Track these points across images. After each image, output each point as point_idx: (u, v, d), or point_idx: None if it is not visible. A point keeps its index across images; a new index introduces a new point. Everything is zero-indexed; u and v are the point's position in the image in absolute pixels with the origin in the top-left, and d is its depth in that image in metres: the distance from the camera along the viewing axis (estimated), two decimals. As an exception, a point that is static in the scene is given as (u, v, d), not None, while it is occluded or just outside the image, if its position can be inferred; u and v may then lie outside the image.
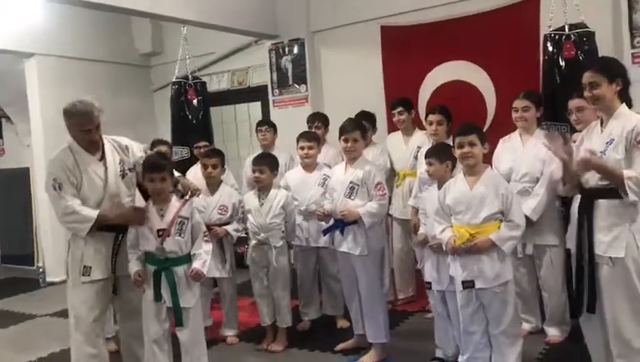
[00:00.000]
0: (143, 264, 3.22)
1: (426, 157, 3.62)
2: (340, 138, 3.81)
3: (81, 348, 3.20)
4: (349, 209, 3.63)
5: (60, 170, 3.14)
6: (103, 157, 3.25)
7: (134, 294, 3.28)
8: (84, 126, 3.15)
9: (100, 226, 3.16)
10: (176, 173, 3.46)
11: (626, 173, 2.65)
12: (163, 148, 4.66)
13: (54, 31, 6.48)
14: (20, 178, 7.15)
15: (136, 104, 7.50)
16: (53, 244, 6.38)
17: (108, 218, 3.18)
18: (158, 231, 3.17)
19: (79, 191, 3.16)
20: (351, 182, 3.68)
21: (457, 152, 3.18)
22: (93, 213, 3.12)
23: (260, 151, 4.97)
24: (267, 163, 4.09)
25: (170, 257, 3.19)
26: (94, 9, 5.10)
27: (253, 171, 4.11)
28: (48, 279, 6.59)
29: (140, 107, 7.55)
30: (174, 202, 3.28)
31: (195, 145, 5.08)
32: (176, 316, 3.20)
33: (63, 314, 4.22)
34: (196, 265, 3.20)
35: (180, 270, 3.19)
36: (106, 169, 3.23)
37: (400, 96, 4.88)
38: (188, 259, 3.22)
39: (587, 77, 2.85)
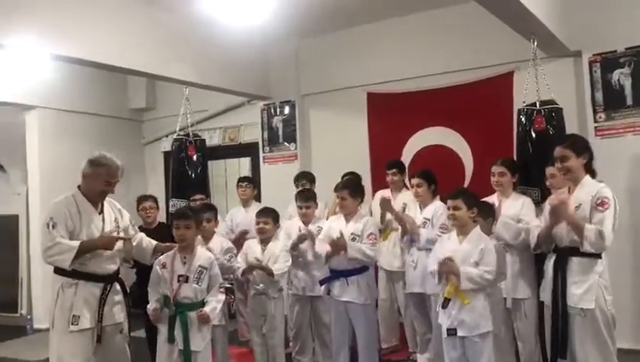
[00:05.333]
0: (162, 305, 3.49)
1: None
2: (335, 194, 4.24)
3: None
4: (342, 239, 3.96)
5: (60, 213, 3.31)
6: (102, 212, 3.49)
7: (117, 344, 3.47)
8: (112, 178, 3.40)
9: (90, 277, 3.33)
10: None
11: (587, 226, 3.12)
12: (147, 204, 4.89)
13: (56, 85, 6.79)
14: (8, 224, 7.28)
15: (128, 156, 7.67)
16: (43, 291, 6.48)
17: (90, 244, 3.31)
18: (179, 276, 3.46)
19: (75, 238, 3.30)
20: (352, 233, 4.05)
21: (447, 213, 3.59)
22: (76, 243, 3.25)
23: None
24: (271, 215, 4.38)
25: (184, 303, 3.46)
26: (108, 70, 5.45)
27: (257, 223, 4.34)
28: (36, 326, 6.65)
29: (131, 159, 7.74)
30: (199, 253, 3.58)
31: (191, 199, 5.35)
32: (185, 358, 3.43)
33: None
34: (206, 308, 3.48)
35: (193, 314, 3.46)
36: (103, 222, 3.46)
37: (395, 159, 5.27)
38: (202, 305, 3.50)
39: (558, 151, 3.32)
